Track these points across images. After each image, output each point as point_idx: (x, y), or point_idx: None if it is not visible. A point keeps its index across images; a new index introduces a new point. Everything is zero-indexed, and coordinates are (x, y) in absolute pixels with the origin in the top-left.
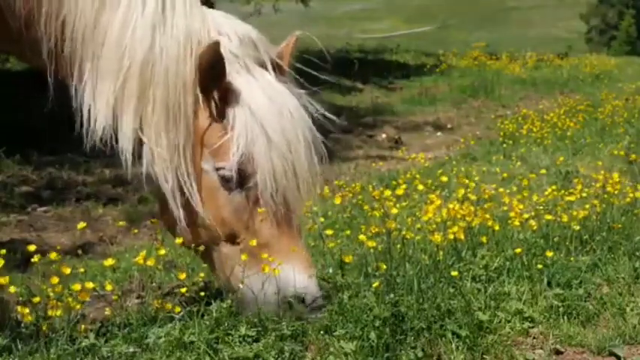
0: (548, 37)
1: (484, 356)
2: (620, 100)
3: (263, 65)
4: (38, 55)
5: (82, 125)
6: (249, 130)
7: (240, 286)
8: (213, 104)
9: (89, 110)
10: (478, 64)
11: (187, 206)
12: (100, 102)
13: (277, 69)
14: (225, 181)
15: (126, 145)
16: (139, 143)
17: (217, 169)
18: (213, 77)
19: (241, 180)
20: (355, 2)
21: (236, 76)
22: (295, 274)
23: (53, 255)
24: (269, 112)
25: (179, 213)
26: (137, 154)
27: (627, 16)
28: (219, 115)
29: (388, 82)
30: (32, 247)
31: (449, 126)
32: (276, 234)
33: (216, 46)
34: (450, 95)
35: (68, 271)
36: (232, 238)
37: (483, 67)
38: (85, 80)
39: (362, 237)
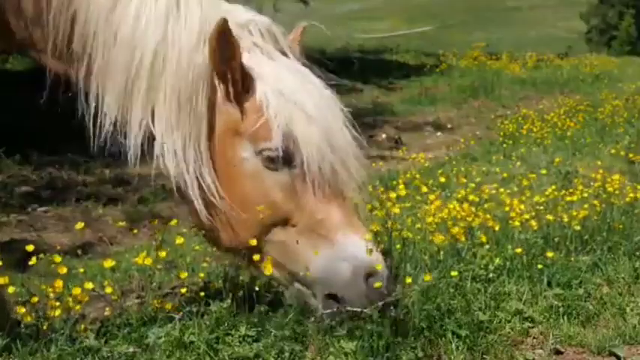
0: (548, 37)
1: (484, 356)
2: (620, 100)
3: (283, 53)
4: (43, 52)
5: (88, 122)
6: (285, 108)
7: (308, 268)
8: (236, 87)
9: (97, 105)
10: (478, 64)
11: (216, 204)
12: (110, 96)
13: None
14: (270, 162)
15: (134, 140)
16: (150, 138)
17: (261, 151)
18: (225, 56)
19: (287, 158)
20: (355, 2)
21: (260, 62)
22: (361, 247)
23: (62, 271)
24: (299, 91)
25: (202, 209)
26: (148, 150)
27: (627, 16)
28: (246, 99)
29: (388, 82)
30: (30, 247)
31: (449, 126)
32: (330, 209)
33: (223, 22)
34: (450, 95)
35: (64, 270)
36: (285, 222)
37: (483, 67)
38: (94, 75)
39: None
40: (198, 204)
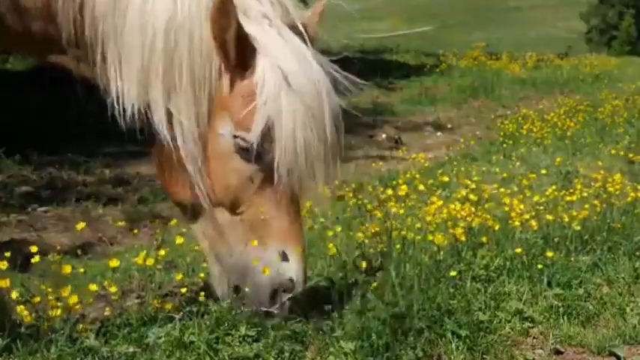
0: (548, 37)
1: (484, 356)
2: (620, 100)
3: (294, 28)
4: (58, 45)
5: (112, 109)
6: (277, 97)
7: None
8: (230, 59)
9: (117, 89)
10: (478, 64)
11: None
12: (128, 78)
13: (306, 34)
14: (240, 149)
15: (161, 119)
16: (169, 116)
17: (235, 137)
18: (224, 26)
19: (259, 153)
20: (355, 2)
21: (265, 35)
22: (287, 259)
23: (67, 269)
24: (298, 76)
25: (199, 179)
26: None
27: (627, 16)
28: (244, 74)
29: (388, 82)
30: (34, 248)
31: (449, 126)
32: (278, 212)
33: None
34: (450, 95)
35: (69, 269)
36: (232, 207)
37: (483, 67)
38: (110, 59)
39: (360, 235)
40: (196, 170)
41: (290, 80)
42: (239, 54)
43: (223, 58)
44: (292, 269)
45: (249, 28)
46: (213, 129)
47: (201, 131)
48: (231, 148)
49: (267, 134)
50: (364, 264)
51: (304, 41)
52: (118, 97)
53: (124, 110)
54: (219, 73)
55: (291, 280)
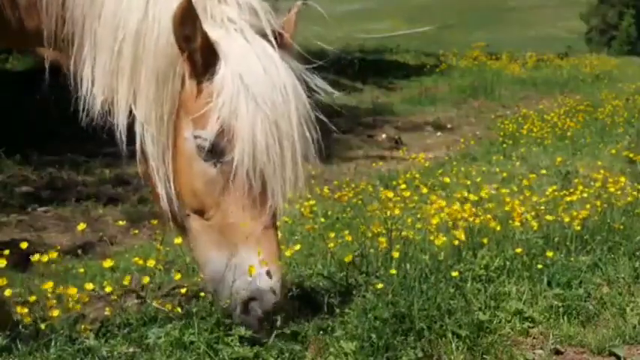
0: (548, 37)
1: (484, 356)
2: (620, 100)
3: (264, 35)
4: (39, 42)
5: (80, 103)
6: (234, 100)
7: (205, 264)
8: (197, 67)
9: (87, 86)
10: (478, 64)
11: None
12: (98, 76)
13: (280, 40)
14: (200, 150)
15: (121, 119)
16: (132, 118)
17: (195, 137)
18: (186, 36)
19: (217, 152)
20: (355, 2)
21: (229, 40)
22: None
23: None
24: (260, 82)
25: (162, 185)
26: (131, 130)
27: (627, 16)
28: (205, 79)
29: (388, 82)
30: (24, 245)
31: (449, 126)
32: (245, 216)
33: (186, 2)
34: (450, 95)
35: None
36: (202, 213)
37: (483, 67)
38: (84, 56)
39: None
40: (158, 178)
41: (250, 85)
42: (204, 61)
43: (188, 65)
44: (263, 278)
45: (214, 32)
46: (180, 134)
47: (162, 135)
48: (193, 150)
49: (225, 134)
50: (364, 264)
51: (273, 46)
52: (87, 92)
53: (91, 105)
54: (183, 77)
55: (260, 289)
